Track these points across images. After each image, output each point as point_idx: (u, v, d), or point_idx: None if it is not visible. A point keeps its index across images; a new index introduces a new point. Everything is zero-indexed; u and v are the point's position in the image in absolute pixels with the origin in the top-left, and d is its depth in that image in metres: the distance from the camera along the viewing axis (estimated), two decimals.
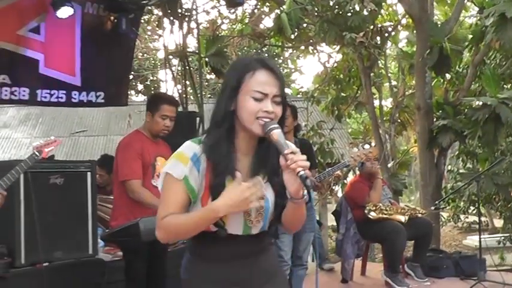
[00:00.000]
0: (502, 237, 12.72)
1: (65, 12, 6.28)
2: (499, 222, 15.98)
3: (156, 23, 12.11)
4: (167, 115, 4.75)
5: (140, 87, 22.40)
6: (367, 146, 5.94)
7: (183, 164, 2.21)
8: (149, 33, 16.70)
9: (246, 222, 2.26)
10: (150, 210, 4.33)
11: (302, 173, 2.03)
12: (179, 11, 9.01)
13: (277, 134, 2.14)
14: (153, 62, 20.59)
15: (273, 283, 2.40)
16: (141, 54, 17.75)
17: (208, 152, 2.22)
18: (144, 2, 7.61)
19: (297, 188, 2.13)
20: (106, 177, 6.64)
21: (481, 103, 8.62)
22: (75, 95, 6.86)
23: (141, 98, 21.50)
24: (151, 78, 21.62)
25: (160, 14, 9.98)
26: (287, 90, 23.91)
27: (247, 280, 2.31)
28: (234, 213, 2.19)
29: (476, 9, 11.48)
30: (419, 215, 6.87)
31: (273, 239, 2.50)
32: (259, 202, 2.16)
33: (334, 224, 8.56)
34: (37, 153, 4.46)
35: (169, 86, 12.12)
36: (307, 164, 2.06)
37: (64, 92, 6.77)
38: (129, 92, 9.02)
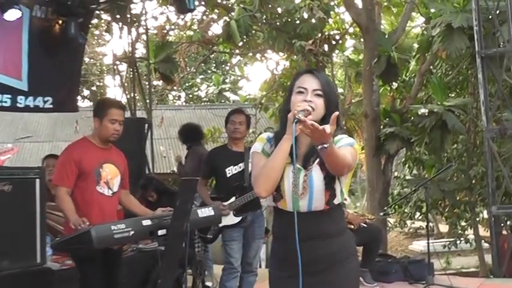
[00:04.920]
0: (448, 242, 12.97)
1: (12, 14, 6.16)
2: (444, 227, 16.30)
3: (105, 27, 11.95)
4: (116, 119, 4.63)
5: (86, 92, 22.07)
6: None
7: (261, 142, 2.93)
8: (96, 38, 16.51)
9: (293, 193, 2.76)
10: (102, 216, 4.30)
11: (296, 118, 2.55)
12: (128, 16, 8.95)
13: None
14: (99, 67, 20.34)
15: (331, 271, 2.78)
16: (87, 59, 17.50)
17: (275, 137, 2.87)
18: (93, 6, 7.51)
19: (311, 135, 2.49)
20: None
21: (427, 111, 8.79)
22: (21, 99, 6.70)
23: (87, 103, 21.14)
24: (97, 83, 21.33)
25: (109, 19, 9.88)
26: (234, 97, 23.94)
27: (305, 263, 2.62)
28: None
29: (422, 19, 11.70)
30: (368, 221, 6.92)
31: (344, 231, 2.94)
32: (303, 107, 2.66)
33: None
34: None
35: (116, 92, 12.03)
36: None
37: (9, 96, 6.61)
38: None
